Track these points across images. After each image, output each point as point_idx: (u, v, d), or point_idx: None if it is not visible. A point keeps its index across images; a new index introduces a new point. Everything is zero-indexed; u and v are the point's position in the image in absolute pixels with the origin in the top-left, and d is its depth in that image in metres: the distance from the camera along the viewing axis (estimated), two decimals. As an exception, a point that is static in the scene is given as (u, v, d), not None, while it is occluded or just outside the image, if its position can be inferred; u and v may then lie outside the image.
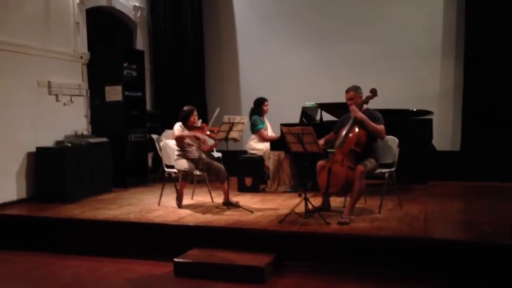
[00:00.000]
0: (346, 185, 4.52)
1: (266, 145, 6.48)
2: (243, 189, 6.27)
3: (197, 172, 5.41)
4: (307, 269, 4.02)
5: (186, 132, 5.33)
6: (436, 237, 3.93)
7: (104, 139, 6.69)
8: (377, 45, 7.42)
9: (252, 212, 4.97)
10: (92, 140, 6.50)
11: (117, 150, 6.86)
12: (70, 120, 6.71)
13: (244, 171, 6.32)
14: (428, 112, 6.12)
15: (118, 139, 6.96)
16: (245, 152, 6.66)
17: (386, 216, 4.62)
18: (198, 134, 5.26)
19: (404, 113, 6.03)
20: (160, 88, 8.45)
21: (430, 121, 6.09)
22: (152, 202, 5.73)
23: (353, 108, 4.68)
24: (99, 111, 7.14)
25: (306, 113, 6.35)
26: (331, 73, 7.58)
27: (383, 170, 4.82)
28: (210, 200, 5.71)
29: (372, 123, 4.62)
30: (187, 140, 5.40)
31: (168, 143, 5.75)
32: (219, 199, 5.66)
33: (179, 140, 5.32)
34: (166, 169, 5.59)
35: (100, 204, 5.71)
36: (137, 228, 4.71)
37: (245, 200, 5.58)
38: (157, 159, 7.47)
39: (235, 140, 5.35)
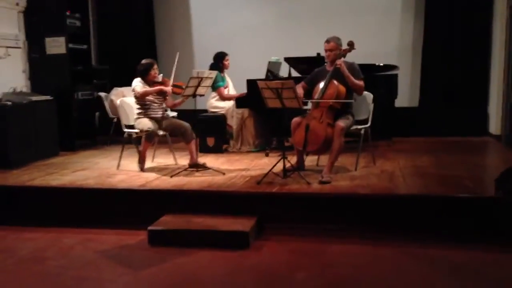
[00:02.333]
0: (325, 143, 4.34)
1: (228, 103, 6.14)
2: (205, 149, 5.92)
3: (161, 132, 4.99)
4: (290, 231, 3.83)
5: (151, 88, 4.86)
6: (421, 193, 3.85)
7: (48, 97, 6.03)
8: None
9: (224, 173, 4.69)
10: (34, 98, 5.83)
11: (62, 110, 6.23)
12: (6, 75, 5.97)
13: (206, 131, 5.97)
14: (394, 67, 6.04)
15: (63, 97, 6.31)
16: (204, 110, 6.28)
17: (363, 174, 4.52)
18: (165, 88, 4.81)
19: (370, 68, 5.88)
20: (105, 41, 7.74)
21: (395, 77, 6.02)
22: (110, 165, 5.28)
23: (340, 62, 4.43)
24: (39, 65, 6.43)
25: (269, 69, 6.03)
26: (291, 28, 7.23)
27: (359, 127, 4.68)
28: (173, 162, 5.35)
29: (353, 78, 4.42)
30: (149, 97, 4.94)
31: (126, 101, 5.26)
32: (182, 160, 5.32)
33: (142, 97, 4.85)
34: (125, 130, 5.11)
35: (50, 169, 5.18)
36: (100, 194, 4.29)
37: (210, 161, 5.26)
38: (105, 119, 6.93)
39: (201, 96, 4.98)
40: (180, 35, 7.84)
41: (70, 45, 6.43)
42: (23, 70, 6.35)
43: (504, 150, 5.74)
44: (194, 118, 5.50)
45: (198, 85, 4.76)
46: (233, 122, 6.12)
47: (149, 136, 4.82)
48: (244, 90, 6.05)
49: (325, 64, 4.75)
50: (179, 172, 4.72)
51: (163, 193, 4.16)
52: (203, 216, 3.92)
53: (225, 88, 6.22)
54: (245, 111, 6.07)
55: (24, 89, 6.21)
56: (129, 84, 6.86)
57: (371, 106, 4.80)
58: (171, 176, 4.64)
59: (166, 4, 7.80)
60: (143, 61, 5.01)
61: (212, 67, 6.21)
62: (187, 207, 4.07)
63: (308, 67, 5.75)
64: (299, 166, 4.68)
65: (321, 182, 4.18)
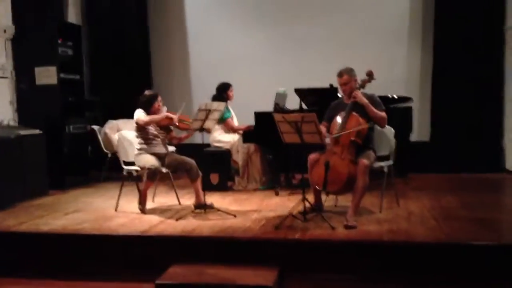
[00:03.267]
0: (348, 182, 3.94)
1: (233, 137, 5.74)
2: (208, 187, 5.43)
3: (164, 170, 4.54)
4: (315, 282, 3.39)
5: (157, 116, 4.44)
6: (467, 242, 3.42)
7: (37, 131, 5.56)
8: (341, 26, 6.86)
9: (235, 216, 4.24)
10: (22, 132, 5.36)
11: (52, 144, 5.77)
12: (-8, 107, 5.51)
13: (210, 167, 5.54)
14: (408, 99, 5.74)
15: (53, 131, 5.86)
16: (206, 145, 5.85)
17: (389, 217, 4.11)
18: (171, 115, 4.40)
19: (383, 100, 5.56)
20: (97, 71, 7.33)
21: (410, 110, 5.71)
22: (106, 206, 4.80)
23: (357, 93, 4.09)
24: (27, 96, 5.98)
25: (276, 101, 5.67)
26: (294, 56, 6.92)
27: (382, 164, 4.31)
28: (177, 202, 4.89)
29: (373, 108, 4.08)
30: (152, 130, 4.52)
31: (125, 135, 4.82)
32: (185, 200, 4.88)
33: (147, 125, 4.42)
34: (125, 167, 4.66)
35: (40, 211, 4.67)
36: (97, 241, 3.80)
37: (215, 200, 4.79)
38: (98, 154, 6.47)
39: (208, 131, 4.59)
40: (176, 65, 7.47)
41: (62, 75, 6.01)
42: (10, 102, 5.91)
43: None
44: (197, 153, 5.09)
45: (206, 118, 4.36)
46: (238, 158, 5.71)
47: (152, 174, 4.37)
48: (246, 122, 5.70)
49: (342, 96, 4.41)
50: (185, 215, 4.26)
51: (170, 240, 3.69)
52: (217, 267, 3.45)
53: (231, 120, 5.83)
54: (251, 146, 5.67)
55: (11, 122, 5.74)
56: (124, 117, 6.58)
57: (393, 142, 4.44)
58: (177, 220, 4.17)
59: (163, 32, 7.44)
60: (146, 92, 4.62)
61: (215, 99, 5.84)
62: (197, 256, 3.60)
63: (318, 99, 5.42)
64: (318, 206, 4.26)
65: (347, 227, 3.76)
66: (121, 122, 6.52)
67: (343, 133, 3.99)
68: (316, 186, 4.10)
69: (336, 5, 6.91)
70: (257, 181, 5.68)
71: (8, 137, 5.13)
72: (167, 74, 7.47)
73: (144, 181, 4.43)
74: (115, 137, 6.33)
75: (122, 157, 4.73)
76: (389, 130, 4.48)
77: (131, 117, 6.55)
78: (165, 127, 4.62)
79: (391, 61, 6.77)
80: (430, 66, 6.66)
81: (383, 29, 6.76)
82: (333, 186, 3.98)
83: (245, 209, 4.56)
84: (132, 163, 4.61)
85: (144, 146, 4.53)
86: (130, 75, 7.22)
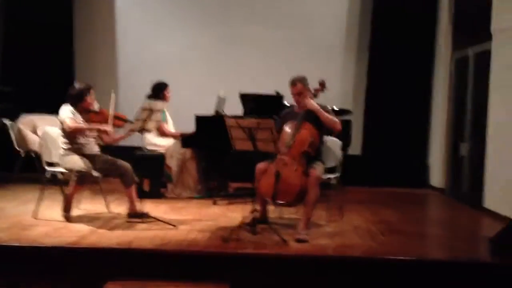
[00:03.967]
0: (300, 194, 3.77)
1: (169, 141, 5.37)
2: (140, 194, 4.99)
3: (95, 173, 4.06)
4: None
5: (87, 126, 3.96)
6: (420, 257, 3.40)
7: None
8: (281, 33, 6.77)
9: (175, 226, 3.89)
10: None
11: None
12: None
13: (142, 172, 5.08)
14: (347, 112, 5.76)
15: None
16: (137, 148, 5.41)
17: (337, 230, 4.00)
18: (105, 127, 3.94)
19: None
20: (11, 58, 6.53)
21: (349, 123, 5.72)
22: (20, 212, 4.21)
23: (307, 100, 3.95)
24: None
25: (217, 106, 5.40)
26: (229, 60, 6.70)
27: (330, 176, 4.21)
28: (106, 210, 4.41)
29: (327, 114, 3.97)
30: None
31: (49, 133, 4.26)
32: (114, 207, 4.47)
33: (74, 134, 3.93)
34: (48, 168, 4.10)
35: None
36: (15, 254, 3.25)
37: (148, 208, 4.30)
38: (7, 151, 5.75)
39: (148, 131, 4.22)
40: (102, 60, 6.89)
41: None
42: None
43: (458, 205, 5.58)
44: (127, 156, 4.63)
45: (148, 118, 3.98)
46: (172, 163, 5.33)
47: (82, 178, 3.88)
48: (182, 126, 5.36)
49: (292, 105, 4.26)
50: (118, 224, 3.83)
51: (106, 252, 3.25)
52: (160, 284, 3.09)
53: (166, 124, 5.43)
54: (187, 152, 5.34)
55: None
56: (40, 111, 5.91)
57: (340, 153, 4.38)
58: (110, 229, 3.73)
59: (88, 20, 6.82)
60: (77, 85, 4.12)
61: (151, 99, 5.43)
62: (136, 271, 3.20)
63: (260, 106, 5.23)
64: (263, 218, 4.04)
65: (298, 240, 3.58)
66: (37, 118, 5.86)
67: (294, 141, 3.82)
68: (265, 197, 3.89)
69: (277, 17, 6.80)
70: (191, 189, 5.34)
71: None
72: (91, 69, 6.85)
73: (72, 185, 3.92)
74: (30, 133, 5.71)
75: (46, 157, 4.17)
76: (335, 142, 4.42)
77: (49, 111, 6.02)
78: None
79: (326, 75, 6.77)
80: (364, 81, 6.79)
81: (319, 43, 6.78)
82: (283, 198, 3.78)
83: (184, 218, 4.22)
84: (55, 164, 4.08)
85: (71, 146, 4.02)
86: (49, 64, 6.54)
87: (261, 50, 6.73)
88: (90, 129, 3.95)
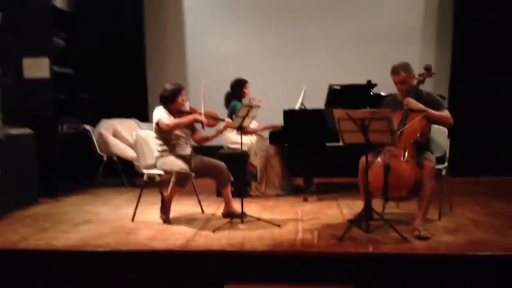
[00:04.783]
0: (414, 187, 3.48)
1: (252, 138, 5.20)
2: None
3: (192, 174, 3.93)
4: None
5: (184, 118, 3.86)
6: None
7: (28, 131, 4.82)
8: (352, 27, 6.47)
9: (279, 226, 3.71)
10: (12, 132, 4.61)
11: (43, 146, 5.02)
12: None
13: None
14: (442, 98, 5.36)
15: (45, 131, 5.09)
16: (219, 147, 5.28)
17: (455, 225, 3.67)
18: (201, 118, 3.83)
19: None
20: (87, 66, 6.56)
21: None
22: (117, 216, 4.16)
23: (409, 99, 3.65)
24: (13, 92, 5.19)
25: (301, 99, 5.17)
26: (300, 56, 6.43)
27: (439, 166, 3.89)
28: (199, 211, 4.30)
29: (434, 112, 3.64)
30: (176, 131, 3.93)
31: (142, 136, 4.18)
32: (205, 208, 4.32)
33: (173, 130, 3.84)
34: (145, 171, 4.02)
35: (40, 223, 3.97)
36: (132, 258, 3.15)
37: (236, 208, 4.19)
38: (90, 157, 5.77)
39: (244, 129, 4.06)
40: (172, 62, 6.79)
41: (55, 68, 5.28)
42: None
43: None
44: (209, 156, 4.47)
45: (246, 115, 3.81)
46: (256, 161, 5.17)
47: (182, 179, 3.75)
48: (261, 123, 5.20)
49: (396, 94, 3.96)
50: (220, 226, 3.69)
51: (220, 255, 3.10)
52: (279, 286, 2.91)
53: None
54: (271, 148, 5.16)
55: (-5, 120, 4.98)
56: (116, 116, 5.90)
57: (447, 142, 4.05)
58: (214, 231, 3.58)
59: (158, 26, 6.78)
60: (168, 86, 4.01)
61: (230, 97, 5.30)
62: (253, 273, 3.04)
63: (346, 97, 4.95)
64: (368, 215, 3.78)
65: (419, 238, 3.30)
66: (116, 122, 5.86)
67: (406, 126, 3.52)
68: (375, 192, 3.62)
69: (345, 8, 6.51)
70: (276, 186, 5.16)
71: (-2, 137, 4.38)
72: (162, 71, 6.80)
73: (172, 187, 3.80)
74: (111, 137, 5.70)
75: (141, 161, 4.08)
76: (441, 130, 4.08)
77: (126, 116, 6.03)
78: (189, 126, 4.04)
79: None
80: (447, 69, 6.37)
81: (396, 30, 6.42)
82: (396, 192, 3.51)
83: (283, 217, 4.03)
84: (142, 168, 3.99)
85: (167, 147, 3.93)
86: (122, 71, 6.52)
87: (335, 45, 6.44)
88: (189, 121, 3.82)
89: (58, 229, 3.75)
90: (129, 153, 5.67)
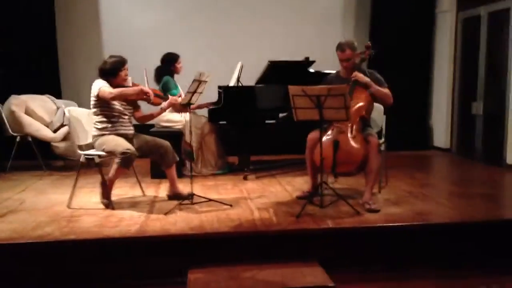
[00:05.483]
0: (362, 162, 3.60)
1: (186, 116, 5.00)
2: (158, 174, 4.64)
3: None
4: (358, 276, 3.01)
5: (130, 88, 3.58)
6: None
7: None
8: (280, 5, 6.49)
9: (231, 205, 3.63)
10: None
11: None
12: None
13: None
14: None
15: None
16: (150, 126, 5.01)
17: (394, 197, 3.89)
18: (147, 89, 3.59)
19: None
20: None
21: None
22: (48, 203, 3.77)
23: (357, 73, 3.74)
24: None
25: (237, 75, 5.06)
26: (220, 31, 6.31)
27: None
28: (139, 193, 4.06)
29: (378, 87, 3.78)
30: (117, 106, 3.64)
31: (77, 112, 3.80)
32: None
33: (109, 103, 3.54)
34: (82, 152, 3.67)
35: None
36: (83, 249, 2.90)
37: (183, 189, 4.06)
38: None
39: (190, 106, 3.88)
40: (85, 32, 6.26)
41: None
42: None
43: (469, 163, 5.69)
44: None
45: (195, 91, 3.63)
46: (192, 139, 4.99)
47: (128, 160, 3.48)
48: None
49: (338, 72, 4.04)
50: (170, 208, 3.51)
51: (185, 239, 2.95)
52: (247, 267, 2.86)
53: (179, 97, 5.05)
54: (206, 126, 5.02)
55: None
56: (27, 91, 5.31)
57: (384, 118, 4.25)
58: (166, 214, 3.40)
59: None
60: (110, 59, 3.68)
61: (161, 72, 5.03)
62: (216, 256, 2.95)
63: (283, 74, 4.93)
64: (315, 191, 3.86)
65: (370, 211, 3.44)
66: (28, 98, 5.29)
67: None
68: (324, 168, 3.68)
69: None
70: (212, 165, 5.05)
71: None
72: (74, 46, 6.21)
73: (115, 168, 3.52)
74: (24, 116, 5.14)
75: (75, 140, 3.72)
76: (378, 107, 4.27)
77: (37, 92, 5.45)
78: (132, 102, 3.76)
79: (327, 43, 6.51)
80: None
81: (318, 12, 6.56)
82: (346, 167, 3.60)
83: (230, 197, 3.95)
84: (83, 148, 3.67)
85: (108, 125, 3.62)
86: (29, 42, 5.86)
87: (259, 23, 6.39)
88: (135, 91, 3.55)
89: (-18, 219, 3.30)
90: (45, 133, 5.17)
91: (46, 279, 2.81)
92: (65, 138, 5.17)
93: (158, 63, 5.06)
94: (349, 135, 3.66)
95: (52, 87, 5.86)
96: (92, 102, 3.61)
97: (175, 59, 5.04)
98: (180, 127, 4.97)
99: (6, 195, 4.08)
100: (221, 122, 4.87)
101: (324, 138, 3.67)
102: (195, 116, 5.05)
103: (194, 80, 3.54)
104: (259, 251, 3.00)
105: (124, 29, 6.22)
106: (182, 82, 4.96)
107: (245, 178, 4.70)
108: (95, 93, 3.54)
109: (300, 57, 4.99)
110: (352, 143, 3.62)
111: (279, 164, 5.35)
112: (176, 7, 6.33)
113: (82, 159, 3.67)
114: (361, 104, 3.70)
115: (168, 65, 5.02)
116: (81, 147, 3.73)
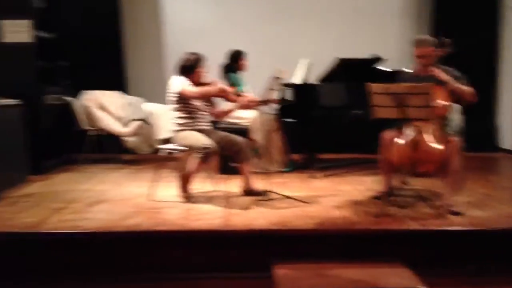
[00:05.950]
0: (443, 162, 3.52)
1: (253, 113, 5.04)
2: (227, 170, 4.69)
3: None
4: (453, 277, 2.95)
5: (212, 88, 3.65)
6: None
7: (14, 101, 4.37)
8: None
9: (309, 203, 3.64)
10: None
11: (27, 119, 4.58)
12: None
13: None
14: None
15: (28, 102, 4.63)
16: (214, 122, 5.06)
17: (475, 200, 3.77)
18: (228, 88, 3.66)
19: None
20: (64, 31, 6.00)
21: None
22: (131, 195, 3.92)
23: (436, 70, 3.66)
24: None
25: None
26: (286, 28, 6.32)
27: (457, 143, 3.96)
28: (211, 189, 4.12)
29: (458, 85, 3.69)
30: (197, 103, 3.71)
31: (154, 109, 3.92)
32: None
33: (199, 98, 3.64)
34: (162, 147, 3.77)
35: (46, 203, 3.62)
36: (175, 241, 2.98)
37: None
38: (71, 131, 5.37)
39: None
40: (150, 31, 6.39)
41: (37, 33, 4.79)
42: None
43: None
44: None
45: (273, 87, 3.67)
46: (258, 136, 5.03)
47: (208, 155, 3.56)
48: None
49: (413, 70, 3.96)
50: (247, 204, 3.57)
51: (272, 235, 2.99)
52: (332, 265, 2.86)
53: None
54: (272, 123, 5.05)
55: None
56: (95, 87, 5.49)
57: (461, 118, 4.14)
58: (245, 209, 3.46)
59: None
60: (188, 56, 3.76)
61: (226, 69, 5.10)
62: (299, 252, 2.97)
63: (350, 72, 4.90)
64: (390, 191, 3.81)
65: (453, 213, 3.37)
66: (100, 94, 5.47)
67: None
68: (402, 168, 3.63)
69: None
70: (278, 162, 5.07)
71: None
72: (139, 45, 6.37)
73: (195, 163, 3.61)
74: (97, 111, 5.33)
75: (157, 135, 3.83)
76: (455, 106, 4.16)
77: (108, 88, 5.63)
78: (209, 99, 3.84)
79: (384, 36, 6.43)
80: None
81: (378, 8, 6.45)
82: (427, 167, 3.51)
83: (303, 194, 3.96)
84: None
85: (187, 121, 3.71)
86: (96, 38, 6.05)
87: (316, 21, 6.37)
88: (216, 91, 3.63)
89: (72, 209, 3.46)
90: (117, 127, 5.34)
91: (137, 267, 2.91)
92: (136, 132, 5.32)
93: (220, 61, 5.12)
94: (429, 134, 3.59)
95: (120, 84, 6.03)
96: (172, 98, 3.70)
97: (240, 55, 5.10)
98: (247, 123, 5.02)
99: (85, 186, 4.25)
100: (288, 120, 4.88)
101: (403, 137, 3.62)
102: (263, 113, 5.08)
103: (273, 78, 3.57)
104: (342, 249, 3.00)
105: (186, 29, 6.32)
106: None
107: (312, 177, 4.70)
108: (177, 90, 3.62)
109: (359, 55, 4.93)
110: (433, 142, 3.54)
111: (344, 162, 5.31)
112: (236, 7, 6.39)
113: (162, 153, 3.77)
114: (441, 102, 3.62)
115: (234, 61, 5.09)
116: (158, 142, 3.82)
